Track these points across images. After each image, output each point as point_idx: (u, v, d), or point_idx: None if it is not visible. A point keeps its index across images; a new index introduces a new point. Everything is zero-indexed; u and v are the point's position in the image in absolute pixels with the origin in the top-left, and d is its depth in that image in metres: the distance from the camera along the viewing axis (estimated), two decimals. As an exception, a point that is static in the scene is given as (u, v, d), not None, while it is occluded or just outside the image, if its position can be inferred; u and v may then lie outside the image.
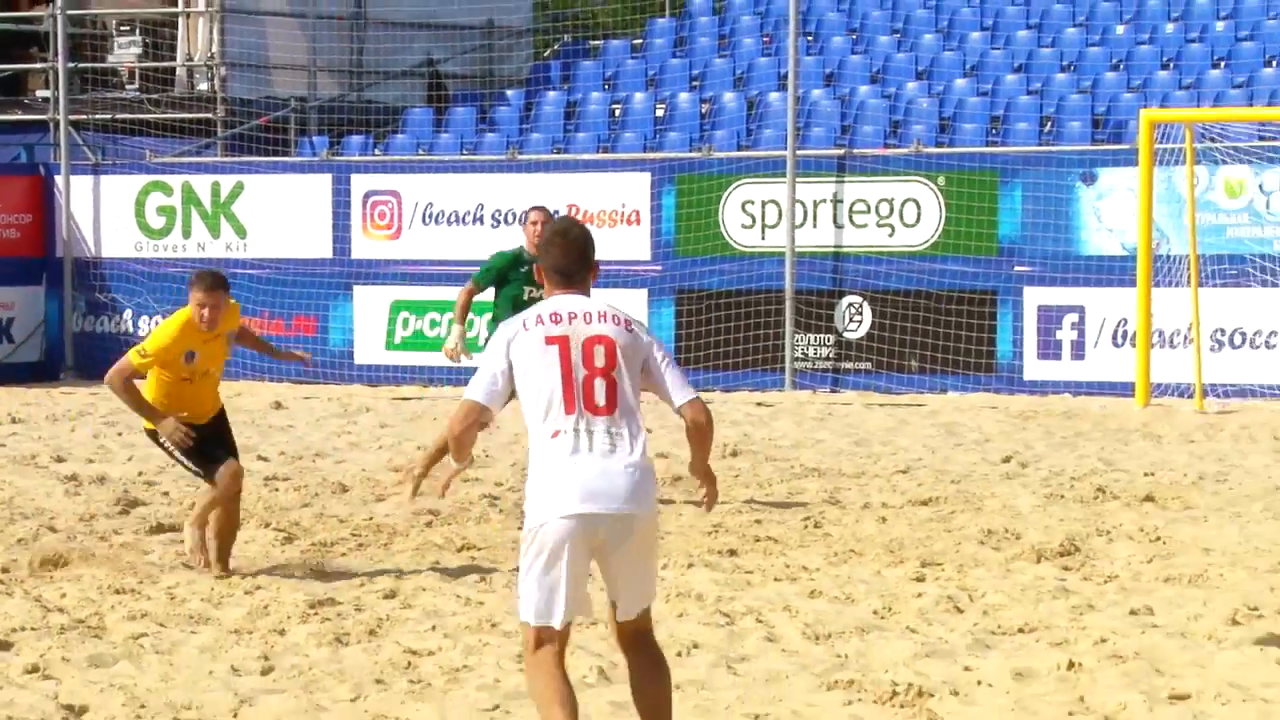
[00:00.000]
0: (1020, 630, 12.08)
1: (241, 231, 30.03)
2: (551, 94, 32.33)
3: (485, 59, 34.90)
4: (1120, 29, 31.11)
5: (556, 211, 22.49)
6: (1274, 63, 29.45)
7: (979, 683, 10.77)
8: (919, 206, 27.02)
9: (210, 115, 32.67)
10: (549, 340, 8.31)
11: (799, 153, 27.73)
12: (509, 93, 33.01)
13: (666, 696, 8.47)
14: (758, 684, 10.83)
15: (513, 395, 8.52)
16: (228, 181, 30.35)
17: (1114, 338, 25.98)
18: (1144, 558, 14.49)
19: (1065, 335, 26.45)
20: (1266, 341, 25.62)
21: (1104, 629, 12.10)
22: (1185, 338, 25.45)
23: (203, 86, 33.14)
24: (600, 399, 8.28)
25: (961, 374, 26.29)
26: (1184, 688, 10.61)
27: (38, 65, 33.36)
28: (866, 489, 18.07)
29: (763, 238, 27.63)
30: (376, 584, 13.64)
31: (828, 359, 26.78)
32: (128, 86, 33.40)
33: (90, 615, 12.69)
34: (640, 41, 33.84)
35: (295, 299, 29.45)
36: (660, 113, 31.04)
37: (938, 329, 26.46)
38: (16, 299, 30.63)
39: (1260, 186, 25.79)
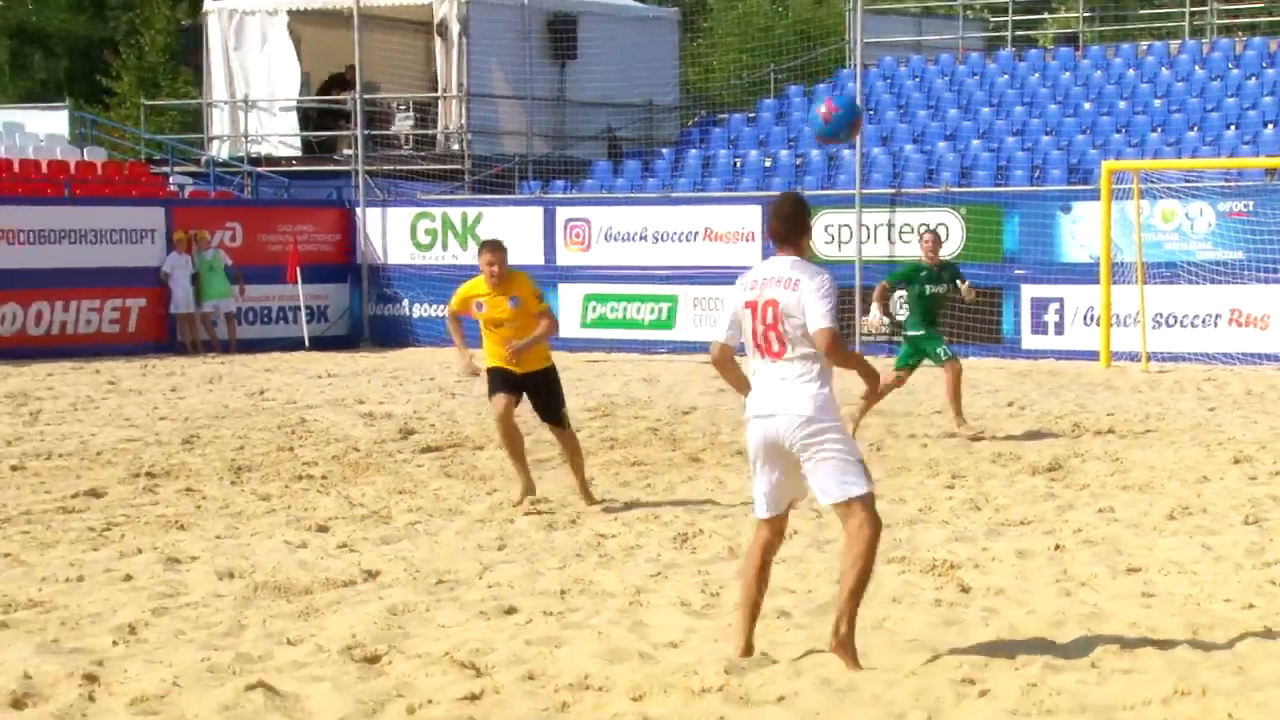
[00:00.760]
0: (1021, 523, 12.00)
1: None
2: (692, 151, 32.31)
3: (647, 127, 34.90)
4: (1087, 105, 30.88)
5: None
6: (1195, 128, 29.13)
7: (992, 559, 10.70)
8: (948, 229, 26.83)
9: (460, 167, 32.85)
10: (746, 304, 7.99)
11: (863, 192, 27.63)
12: (663, 150, 33.00)
13: (852, 558, 7.94)
14: (837, 559, 10.77)
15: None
16: (472, 212, 30.50)
17: (1084, 319, 25.79)
18: (1107, 472, 14.36)
19: (1050, 318, 26.27)
20: (1191, 322, 25.39)
21: (1080, 522, 11.99)
22: (1134, 319, 25.27)
23: (455, 147, 33.30)
24: (774, 346, 7.93)
25: (978, 344, 26.09)
26: (1136, 563, 10.51)
27: (344, 133, 33.62)
28: (913, 424, 17.97)
29: (839, 250, 27.52)
30: (575, 486, 13.64)
31: (884, 334, 26.58)
32: (404, 148, 33.64)
33: (381, 508, 12.78)
34: (753, 115, 33.76)
35: (518, 292, 29.54)
36: (767, 164, 30.98)
37: (961, 313, 26.26)
38: (330, 293, 30.90)
39: (1185, 214, 25.56)
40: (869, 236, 27.48)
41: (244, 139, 34.05)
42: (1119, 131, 29.66)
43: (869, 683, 7.70)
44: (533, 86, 33.40)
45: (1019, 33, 37.17)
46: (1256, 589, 9.72)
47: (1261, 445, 15.99)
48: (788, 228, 8.07)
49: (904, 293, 17.52)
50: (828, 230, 27.73)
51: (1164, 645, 8.35)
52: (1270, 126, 28.56)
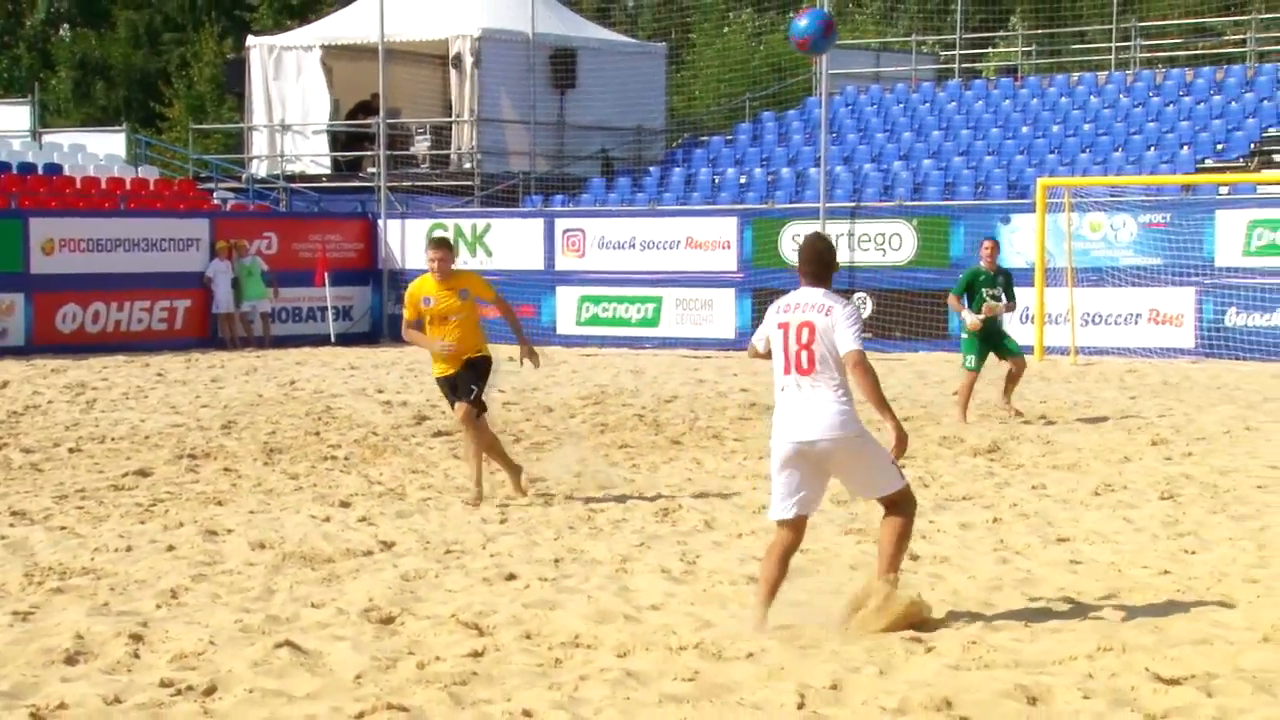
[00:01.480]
0: (963, 498, 11.95)
1: (489, 253, 30.08)
2: (677, 169, 32.20)
3: (637, 148, 34.83)
4: (1025, 129, 30.81)
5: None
6: (1120, 149, 29.08)
7: (938, 530, 10.65)
8: (902, 238, 26.81)
9: (471, 183, 32.76)
10: (779, 325, 8.01)
11: (827, 205, 27.53)
12: (651, 168, 32.90)
13: (893, 534, 7.98)
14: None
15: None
16: (481, 223, 30.41)
17: (1021, 318, 25.67)
18: (1040, 453, 14.32)
19: (991, 317, 26.19)
20: (1115, 321, 25.35)
21: (1015, 497, 11.95)
22: (1065, 318, 25.22)
23: (466, 166, 33.23)
24: (804, 364, 7.93)
25: (927, 340, 26.06)
26: (1065, 534, 10.48)
27: (368, 153, 33.55)
28: (868, 411, 17.87)
29: (805, 257, 27.44)
30: (569, 467, 13.59)
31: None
32: (421, 166, 33.58)
33: (397, 486, 12.72)
34: (731, 138, 33.68)
35: (521, 293, 29.43)
36: (743, 181, 30.90)
37: (914, 312, 26.28)
38: (354, 294, 30.83)
39: (1111, 225, 25.52)
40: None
41: (280, 158, 34.03)
42: (1053, 152, 29.61)
43: (828, 640, 7.65)
44: (536, 112, 33.32)
45: (965, 65, 37.11)
46: (1171, 557, 9.69)
47: (1176, 429, 15.96)
48: (818, 266, 8.10)
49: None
50: (795, 239, 27.63)
51: (1089, 607, 8.31)
52: (1186, 148, 28.52)
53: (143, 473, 13.35)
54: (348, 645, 7.63)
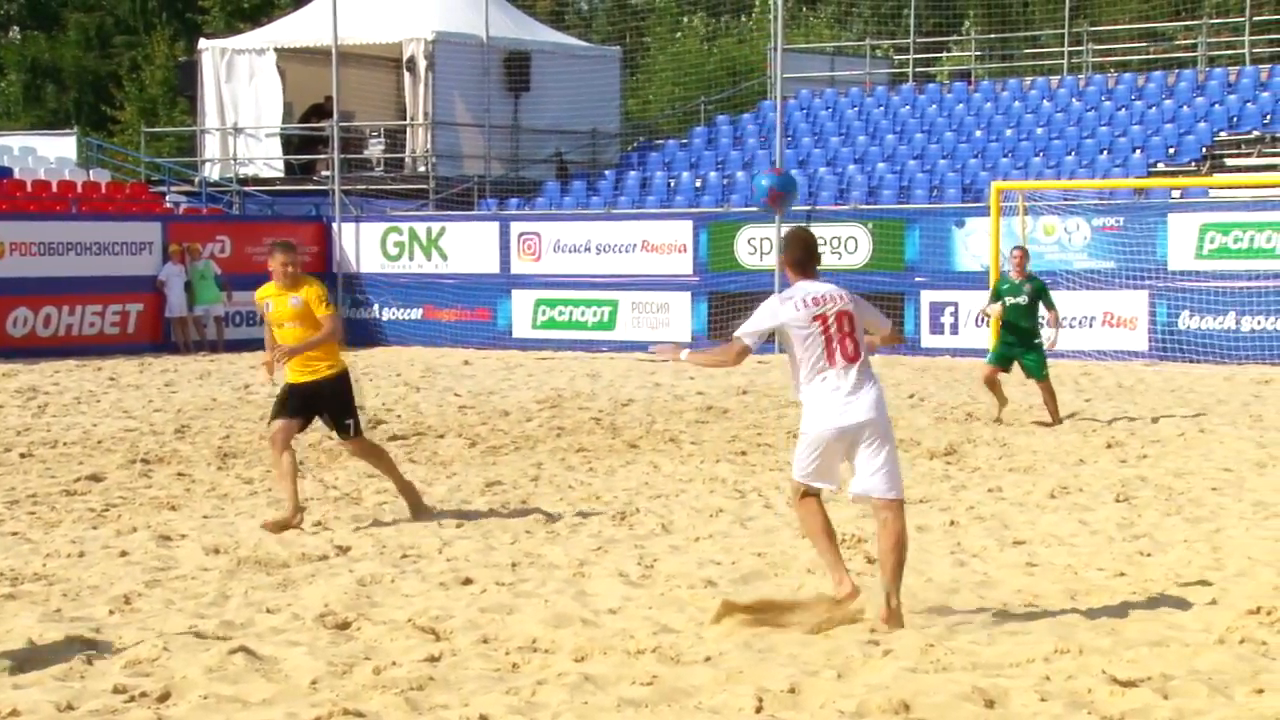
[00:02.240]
0: (920, 501, 11.96)
1: (444, 256, 30.02)
2: (632, 173, 32.19)
3: (592, 151, 34.81)
4: (979, 133, 30.95)
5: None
6: (1073, 153, 29.24)
7: (895, 533, 10.64)
8: (857, 241, 26.87)
9: (425, 186, 32.69)
10: (815, 319, 8.05)
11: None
12: (606, 172, 32.88)
13: (889, 544, 8.00)
14: (759, 534, 10.73)
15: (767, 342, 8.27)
16: (436, 226, 30.33)
17: (976, 321, 25.80)
18: (996, 456, 14.37)
19: (946, 320, 26.30)
20: (1069, 324, 25.37)
21: (972, 500, 11.98)
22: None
23: (421, 169, 33.15)
24: (850, 350, 8.03)
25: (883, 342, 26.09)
26: (1021, 536, 10.50)
27: (322, 156, 33.45)
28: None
29: (760, 260, 27.47)
30: (526, 471, 13.57)
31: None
32: (375, 169, 33.48)
33: (353, 490, 12.66)
34: (686, 141, 33.70)
35: (476, 297, 29.48)
36: (698, 185, 30.91)
37: (868, 316, 26.36)
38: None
39: (1064, 229, 25.65)
40: (787, 248, 27.44)
41: (233, 162, 33.86)
42: (1006, 156, 29.73)
43: (786, 644, 7.65)
44: (491, 116, 33.25)
45: (919, 69, 37.25)
46: (1127, 559, 9.72)
47: (1131, 432, 16.04)
48: (808, 256, 8.30)
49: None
50: (750, 243, 27.69)
51: (1046, 609, 8.33)
52: (1139, 152, 28.70)
53: (95, 478, 13.25)
54: (303, 651, 7.58)
